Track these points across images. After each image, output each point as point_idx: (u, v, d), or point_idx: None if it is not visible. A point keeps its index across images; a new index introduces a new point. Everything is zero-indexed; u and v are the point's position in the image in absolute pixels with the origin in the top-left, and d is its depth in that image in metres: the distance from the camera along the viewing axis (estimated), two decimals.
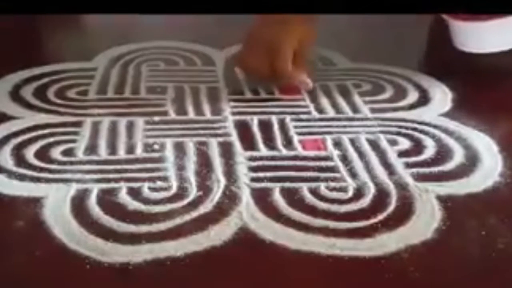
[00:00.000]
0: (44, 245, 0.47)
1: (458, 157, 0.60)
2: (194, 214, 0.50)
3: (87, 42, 0.92)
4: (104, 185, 0.54)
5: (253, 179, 0.55)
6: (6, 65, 0.78)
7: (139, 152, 0.60)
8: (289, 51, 0.69)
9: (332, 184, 0.55)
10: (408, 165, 0.58)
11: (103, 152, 0.59)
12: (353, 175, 0.56)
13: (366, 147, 0.61)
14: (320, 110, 0.70)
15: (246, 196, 0.53)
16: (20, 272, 0.44)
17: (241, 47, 0.73)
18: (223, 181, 0.55)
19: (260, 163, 0.58)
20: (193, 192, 0.53)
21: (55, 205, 0.51)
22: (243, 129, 0.64)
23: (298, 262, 0.46)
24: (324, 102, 0.71)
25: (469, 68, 0.85)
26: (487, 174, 0.57)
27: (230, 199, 0.52)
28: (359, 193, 0.54)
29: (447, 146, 0.62)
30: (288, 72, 0.70)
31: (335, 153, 0.60)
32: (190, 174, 0.56)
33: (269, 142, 0.62)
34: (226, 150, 0.60)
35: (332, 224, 0.49)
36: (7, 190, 0.53)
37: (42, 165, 0.57)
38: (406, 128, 0.66)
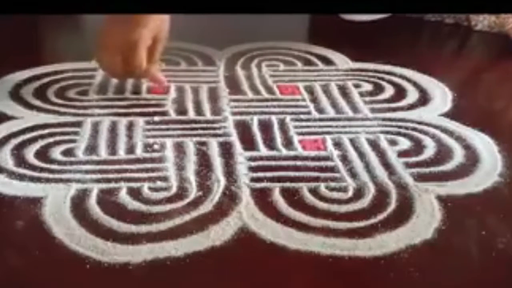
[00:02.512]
0: (44, 245, 0.47)
1: (458, 157, 0.60)
2: (194, 214, 0.50)
3: (87, 42, 0.92)
4: (104, 185, 0.54)
5: (253, 179, 0.55)
6: (6, 65, 0.78)
7: (139, 152, 0.60)
8: (144, 49, 0.67)
9: (332, 184, 0.55)
10: (408, 165, 0.58)
11: (103, 152, 0.59)
12: (353, 175, 0.56)
13: (366, 147, 0.61)
14: (320, 110, 0.70)
15: (246, 196, 0.53)
16: (20, 272, 0.44)
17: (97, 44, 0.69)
18: (223, 181, 0.55)
19: (260, 163, 0.58)
20: (193, 192, 0.53)
21: (55, 205, 0.51)
22: (243, 129, 0.64)
23: (298, 262, 0.46)
24: (324, 102, 0.71)
25: (469, 68, 0.86)
26: (487, 174, 0.57)
27: (230, 199, 0.52)
28: (359, 193, 0.54)
29: (447, 146, 0.62)
30: (143, 70, 0.68)
31: (335, 153, 0.60)
32: (190, 174, 0.56)
33: (269, 142, 0.62)
34: (226, 150, 0.60)
35: (332, 224, 0.49)
36: (7, 190, 0.53)
37: (42, 165, 0.57)
38: (406, 128, 0.66)
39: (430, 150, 0.61)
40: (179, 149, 0.60)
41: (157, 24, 0.68)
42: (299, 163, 0.58)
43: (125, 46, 0.66)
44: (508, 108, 0.74)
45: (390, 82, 0.78)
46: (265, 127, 0.65)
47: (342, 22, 0.95)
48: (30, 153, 0.59)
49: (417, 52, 0.90)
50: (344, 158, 0.59)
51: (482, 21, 0.94)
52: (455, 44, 0.95)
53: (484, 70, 0.85)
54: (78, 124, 0.65)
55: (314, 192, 0.54)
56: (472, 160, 0.60)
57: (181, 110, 0.69)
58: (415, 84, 0.77)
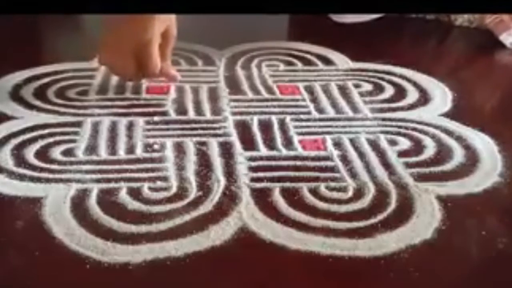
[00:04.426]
0: (44, 245, 0.47)
1: (458, 157, 0.60)
2: (194, 214, 0.50)
3: (87, 42, 0.92)
4: (104, 185, 0.54)
5: (253, 179, 0.55)
6: (6, 65, 0.78)
7: (139, 152, 0.60)
8: (156, 48, 0.66)
9: (332, 184, 0.55)
10: (408, 165, 0.58)
11: (103, 152, 0.59)
12: (353, 175, 0.56)
13: (366, 147, 0.61)
14: (320, 110, 0.70)
15: (246, 196, 0.53)
16: (20, 272, 0.44)
17: (101, 47, 0.69)
18: (223, 181, 0.55)
19: (260, 163, 0.58)
20: (193, 192, 0.53)
21: (55, 205, 0.51)
22: (243, 129, 0.64)
23: (298, 262, 0.46)
24: (324, 102, 0.71)
25: (469, 68, 0.86)
26: (487, 174, 0.57)
27: (230, 199, 0.52)
28: (359, 193, 0.54)
29: (447, 146, 0.62)
30: (158, 70, 0.67)
31: (335, 153, 0.60)
32: (190, 174, 0.56)
33: (269, 142, 0.62)
34: (226, 150, 0.60)
35: (332, 224, 0.49)
36: (7, 190, 0.53)
37: (42, 165, 0.57)
38: (406, 128, 0.66)
39: (430, 150, 0.61)
40: (179, 149, 0.60)
41: (164, 21, 0.67)
42: (299, 163, 0.58)
43: (137, 47, 0.65)
44: (508, 108, 0.74)
45: (390, 82, 0.78)
46: (265, 127, 0.65)
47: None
48: (30, 153, 0.59)
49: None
50: (344, 158, 0.59)
51: (462, 16, 0.96)
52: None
53: (485, 70, 0.85)
54: (78, 124, 0.65)
55: (314, 192, 0.54)
56: (472, 160, 0.60)
57: (181, 110, 0.69)
58: (415, 84, 0.77)
